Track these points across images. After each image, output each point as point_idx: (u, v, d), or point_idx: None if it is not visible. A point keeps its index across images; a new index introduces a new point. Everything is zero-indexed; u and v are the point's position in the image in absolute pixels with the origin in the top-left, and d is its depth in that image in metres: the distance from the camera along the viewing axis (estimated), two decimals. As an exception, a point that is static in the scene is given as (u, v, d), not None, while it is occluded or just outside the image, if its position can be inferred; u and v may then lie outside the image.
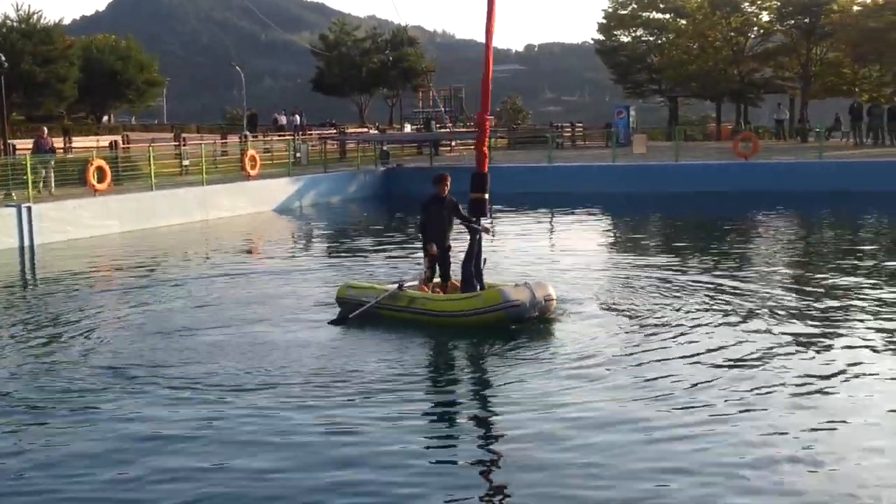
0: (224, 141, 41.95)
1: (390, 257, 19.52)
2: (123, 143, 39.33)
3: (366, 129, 54.68)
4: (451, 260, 13.30)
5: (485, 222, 13.10)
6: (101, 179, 25.86)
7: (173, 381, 10.02)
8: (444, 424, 8.83)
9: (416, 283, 13.38)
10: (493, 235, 13.22)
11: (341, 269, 18.27)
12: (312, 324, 12.74)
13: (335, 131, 50.43)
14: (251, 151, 32.78)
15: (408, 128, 55.34)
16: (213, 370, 10.37)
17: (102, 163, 26.53)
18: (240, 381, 9.91)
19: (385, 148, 40.24)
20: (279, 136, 45.66)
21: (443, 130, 49.82)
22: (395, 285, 13.05)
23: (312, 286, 15.88)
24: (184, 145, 36.39)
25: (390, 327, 12.40)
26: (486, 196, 13.27)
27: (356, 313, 12.60)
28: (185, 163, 34.04)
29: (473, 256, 12.74)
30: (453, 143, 47.37)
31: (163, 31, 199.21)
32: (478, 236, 12.77)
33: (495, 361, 10.86)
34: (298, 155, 37.77)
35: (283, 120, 51.31)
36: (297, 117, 51.94)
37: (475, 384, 10.24)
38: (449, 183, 13.15)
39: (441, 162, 40.02)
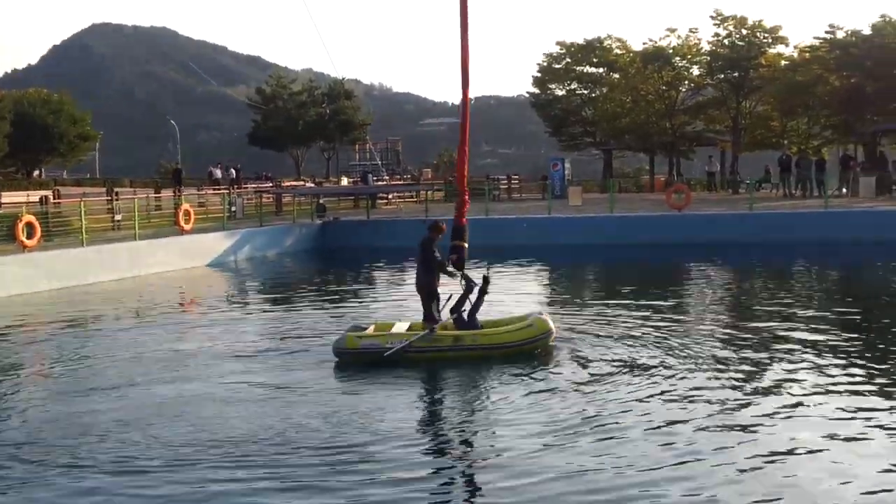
0: (158, 195, 41.44)
1: (326, 310, 19.33)
2: (54, 198, 38.66)
3: (302, 183, 54.49)
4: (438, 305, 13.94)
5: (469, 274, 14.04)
6: (30, 235, 25.29)
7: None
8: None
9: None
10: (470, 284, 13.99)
11: (276, 322, 18.10)
12: (241, 376, 12.58)
13: (271, 185, 50.15)
14: (185, 205, 32.38)
15: (344, 181, 55.29)
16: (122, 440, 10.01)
17: (32, 218, 25.96)
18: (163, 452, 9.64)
19: (321, 201, 40.06)
20: (214, 189, 45.26)
21: (380, 183, 49.87)
22: (405, 328, 13.81)
23: (245, 339, 15.73)
24: (116, 199, 35.83)
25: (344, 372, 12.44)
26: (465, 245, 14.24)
27: (390, 353, 13.06)
28: (118, 217, 33.51)
29: (467, 301, 13.84)
30: (390, 196, 47.37)
31: (97, 85, 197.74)
32: (471, 284, 13.79)
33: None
34: (233, 209, 37.43)
35: (218, 173, 50.93)
36: (233, 171, 51.61)
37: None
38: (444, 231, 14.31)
39: (378, 215, 39.99)
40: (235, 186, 46.64)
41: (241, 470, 8.83)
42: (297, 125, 67.63)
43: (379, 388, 12.17)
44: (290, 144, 70.34)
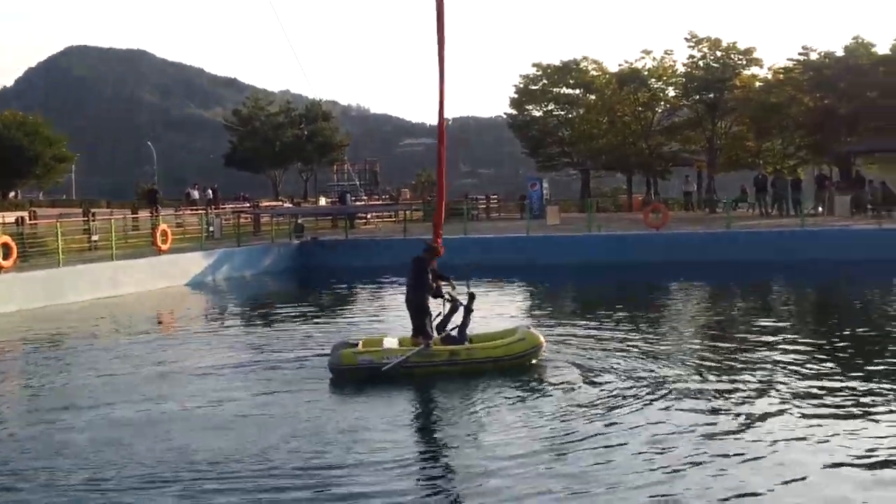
0: (135, 216, 41.27)
1: (305, 328, 19.30)
2: (30, 219, 38.40)
3: (280, 203, 54.39)
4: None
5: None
6: (6, 256, 25.13)
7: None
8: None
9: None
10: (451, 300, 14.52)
11: (255, 340, 18.07)
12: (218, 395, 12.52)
13: (248, 205, 50.02)
14: (162, 226, 32.27)
15: (323, 201, 55.21)
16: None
17: (8, 239, 25.81)
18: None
19: (300, 221, 40.00)
20: (192, 210, 45.12)
21: (358, 204, 49.85)
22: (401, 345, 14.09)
23: (224, 357, 15.71)
24: (93, 220, 35.63)
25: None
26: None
27: (388, 368, 13.32)
28: (95, 238, 33.34)
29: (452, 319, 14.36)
30: (369, 217, 47.37)
31: (74, 107, 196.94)
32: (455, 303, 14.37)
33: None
34: (211, 229, 37.32)
35: (196, 194, 50.75)
36: (210, 191, 51.45)
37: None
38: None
39: (356, 235, 39.97)
40: (213, 207, 46.50)
41: (218, 495, 8.69)
42: (274, 146, 67.60)
43: (363, 406, 12.19)
44: (268, 166, 70.26)
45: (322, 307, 24.24)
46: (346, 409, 11.97)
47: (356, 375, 13.37)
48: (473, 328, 14.71)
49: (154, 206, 42.56)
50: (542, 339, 14.27)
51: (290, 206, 51.24)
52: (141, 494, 8.71)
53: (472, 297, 14.28)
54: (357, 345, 14.15)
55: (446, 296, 14.43)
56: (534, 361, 14.07)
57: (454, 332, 14.31)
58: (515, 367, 13.68)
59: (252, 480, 8.99)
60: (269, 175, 72.24)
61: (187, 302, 27.16)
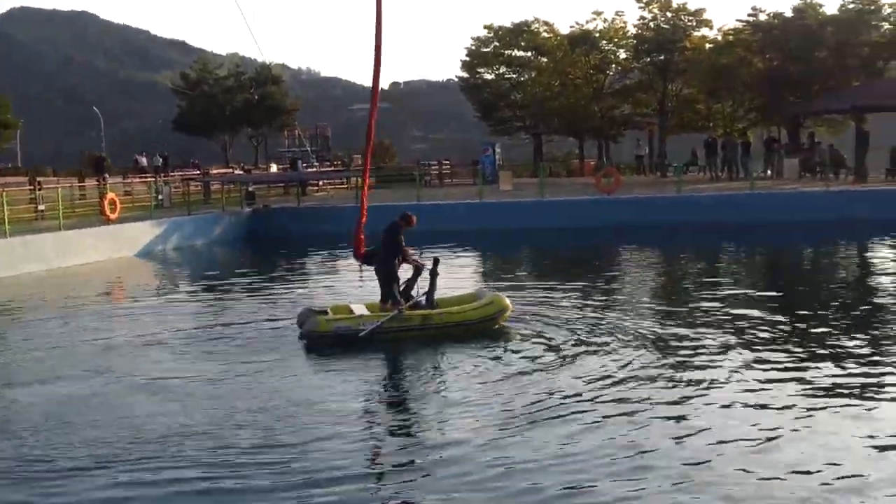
0: (82, 184, 40.60)
1: (258, 297, 19.14)
2: (-27, 188, 37.59)
3: (230, 170, 53.80)
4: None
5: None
6: (-52, 227, 24.60)
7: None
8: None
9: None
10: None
11: (207, 310, 17.91)
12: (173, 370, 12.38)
13: (198, 172, 49.42)
14: (110, 194, 31.77)
15: (274, 168, 54.71)
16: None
17: (-50, 209, 25.26)
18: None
19: (250, 188, 39.59)
20: (140, 178, 44.50)
21: (310, 170, 49.47)
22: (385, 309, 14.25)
23: (176, 328, 15.52)
24: (39, 189, 35.00)
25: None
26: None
27: (365, 333, 13.60)
28: (41, 207, 32.76)
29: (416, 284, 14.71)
30: (321, 183, 47.02)
31: (17, 72, 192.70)
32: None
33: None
34: (160, 197, 36.82)
35: (144, 161, 50.07)
36: (160, 158, 50.81)
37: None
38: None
39: (308, 202, 39.67)
40: (162, 174, 45.89)
41: (165, 471, 8.51)
42: (223, 111, 66.77)
43: (320, 377, 12.12)
44: (217, 131, 69.41)
45: (274, 276, 24.05)
46: (303, 381, 11.84)
47: (331, 342, 13.54)
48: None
49: (101, 174, 41.86)
50: (507, 302, 14.69)
51: (241, 173, 50.70)
52: (88, 475, 8.46)
53: (436, 261, 14.62)
54: (324, 312, 14.32)
55: (415, 262, 14.73)
56: (501, 324, 14.48)
57: (422, 299, 14.56)
58: (483, 329, 14.15)
59: (206, 459, 8.79)
60: (218, 140, 71.38)
61: (137, 272, 26.81)
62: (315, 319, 13.96)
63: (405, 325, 14.00)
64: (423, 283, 14.66)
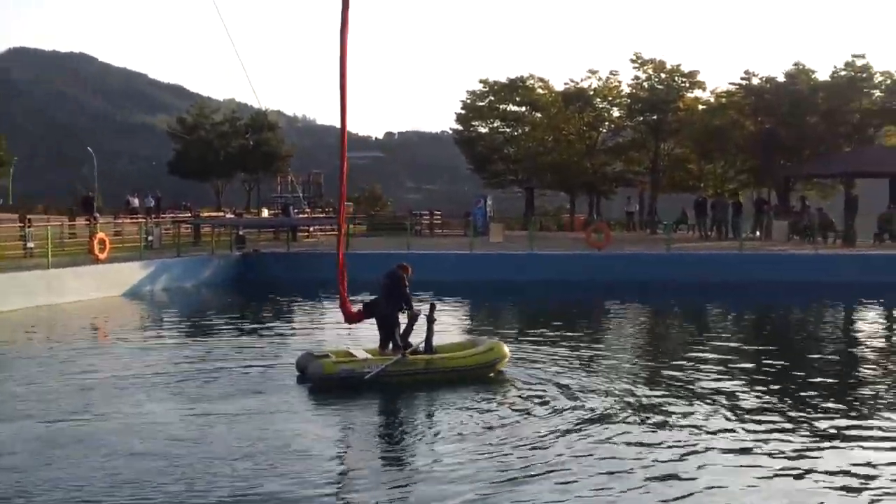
0: (72, 223, 40.55)
1: (244, 340, 19.06)
2: (-36, 224, 37.51)
3: (222, 213, 53.82)
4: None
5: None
6: (-64, 261, 24.47)
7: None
8: None
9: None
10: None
11: (193, 352, 17.79)
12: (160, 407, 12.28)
13: (190, 214, 49.43)
14: (100, 234, 31.74)
15: (265, 212, 54.77)
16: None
17: (-61, 243, 25.16)
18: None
19: (241, 232, 39.59)
20: (131, 218, 44.49)
21: (301, 216, 49.53)
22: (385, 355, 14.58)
23: (160, 369, 15.43)
24: (28, 227, 34.91)
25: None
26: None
27: (370, 377, 13.82)
28: (30, 245, 32.69)
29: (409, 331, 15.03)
30: (311, 229, 47.09)
31: (14, 110, 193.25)
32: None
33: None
34: (150, 238, 36.77)
35: (136, 202, 50.08)
36: (152, 199, 50.81)
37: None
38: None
39: (299, 248, 39.67)
40: (153, 215, 45.88)
41: None
42: (218, 155, 66.99)
43: (306, 423, 11.99)
44: (212, 175, 69.60)
45: (262, 320, 23.99)
46: (288, 427, 11.68)
47: (336, 385, 13.75)
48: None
49: (90, 213, 41.81)
50: (506, 349, 15.14)
51: (232, 216, 50.73)
52: None
53: (432, 307, 15.02)
54: (326, 356, 14.49)
55: (415, 310, 15.11)
56: (500, 370, 14.91)
57: (421, 346, 14.90)
58: (480, 376, 14.53)
59: None
60: (212, 184, 71.55)
61: (124, 312, 26.69)
62: (320, 363, 14.14)
63: (409, 369, 14.26)
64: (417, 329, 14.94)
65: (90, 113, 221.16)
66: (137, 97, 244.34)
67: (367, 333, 17.23)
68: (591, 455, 10.28)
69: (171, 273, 32.05)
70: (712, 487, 9.22)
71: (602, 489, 9.10)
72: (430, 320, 14.90)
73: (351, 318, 15.66)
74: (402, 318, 15.02)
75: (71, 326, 22.50)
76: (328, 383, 13.82)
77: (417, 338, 15.07)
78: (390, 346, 14.87)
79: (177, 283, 31.99)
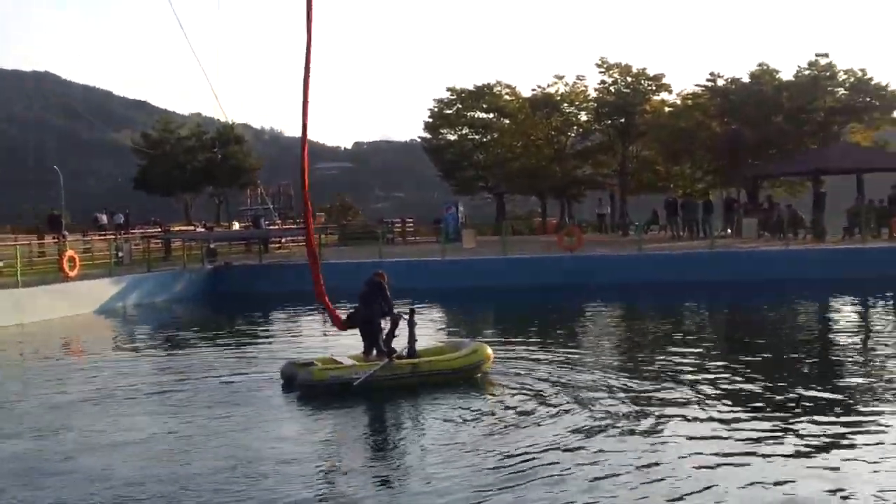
0: (41, 241, 40.16)
1: (220, 353, 18.89)
2: (-70, 245, 37.06)
3: (192, 228, 53.50)
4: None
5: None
6: None
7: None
8: None
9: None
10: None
11: (167, 366, 17.63)
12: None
13: (159, 229, 49.10)
14: (70, 251, 31.45)
15: (236, 225, 54.51)
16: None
17: None
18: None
19: (212, 246, 39.34)
20: (100, 235, 44.13)
21: (272, 228, 49.35)
22: (372, 360, 14.70)
23: (136, 384, 15.27)
24: (-4, 246, 34.59)
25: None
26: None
27: (359, 382, 13.83)
28: (-1, 264, 32.36)
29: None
30: (283, 240, 46.92)
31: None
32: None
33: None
34: (120, 254, 36.47)
35: (104, 219, 49.71)
36: (121, 216, 50.49)
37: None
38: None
39: (270, 259, 39.49)
40: (122, 232, 45.55)
41: None
42: (185, 171, 66.53)
43: (293, 430, 11.87)
44: (179, 190, 69.10)
45: (237, 332, 23.80)
46: (266, 437, 11.55)
47: (325, 391, 13.82)
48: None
49: (58, 231, 41.45)
50: (490, 351, 15.32)
51: (202, 230, 50.42)
52: None
53: (412, 311, 15.17)
54: (310, 364, 14.60)
55: (395, 314, 15.21)
56: (484, 372, 15.04)
57: (405, 351, 14.99)
58: (465, 379, 14.61)
59: None
60: (180, 199, 71.07)
61: (96, 329, 26.43)
62: (309, 370, 14.24)
63: (396, 373, 14.35)
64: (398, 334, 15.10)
65: (54, 131, 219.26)
66: (102, 114, 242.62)
67: (346, 341, 17.19)
68: (579, 455, 10.23)
69: (142, 289, 31.80)
70: (701, 486, 9.20)
71: (593, 490, 9.03)
72: (412, 324, 15.04)
73: (340, 326, 15.85)
74: (385, 324, 15.09)
75: (43, 345, 22.24)
76: (317, 390, 13.88)
77: (399, 343, 15.07)
78: (374, 352, 14.97)
79: (149, 298, 31.75)
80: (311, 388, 14.00)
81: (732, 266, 32.18)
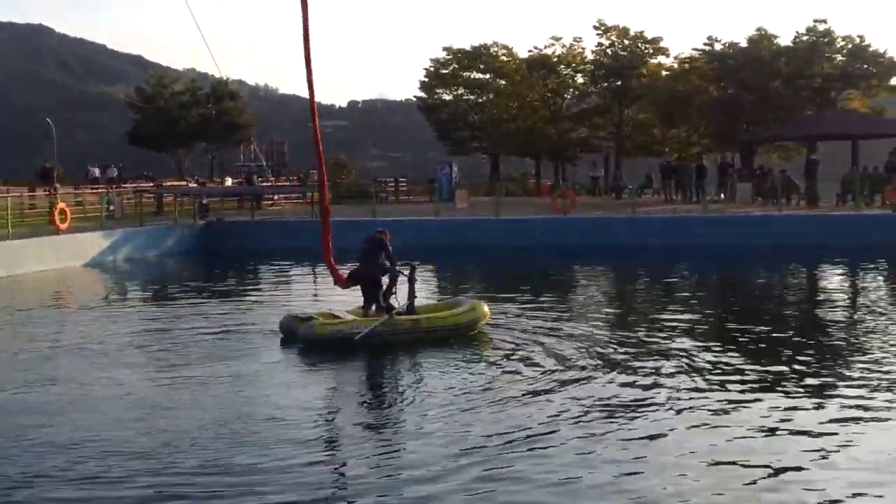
0: (32, 193, 39.95)
1: (212, 307, 18.85)
2: (-80, 196, 36.85)
3: (185, 183, 53.28)
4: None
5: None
6: None
7: None
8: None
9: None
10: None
11: (159, 319, 17.56)
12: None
13: (152, 184, 48.88)
14: (61, 204, 31.31)
15: (229, 181, 54.32)
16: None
17: None
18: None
19: (204, 201, 39.19)
20: (92, 189, 43.93)
21: (265, 185, 49.20)
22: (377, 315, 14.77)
23: (126, 336, 15.19)
24: (-13, 197, 34.36)
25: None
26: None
27: (360, 337, 13.97)
28: (-10, 216, 32.19)
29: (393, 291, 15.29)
30: (276, 197, 46.77)
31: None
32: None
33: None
34: (111, 208, 36.30)
35: (97, 172, 49.48)
36: (115, 170, 50.27)
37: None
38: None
39: (263, 216, 39.38)
40: (115, 186, 45.35)
41: (100, 491, 7.88)
42: (178, 126, 66.15)
43: (280, 389, 11.62)
44: (172, 145, 68.76)
45: (228, 287, 23.78)
46: (260, 394, 11.36)
47: (324, 346, 13.93)
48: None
49: (50, 184, 41.24)
50: (487, 308, 15.46)
51: (195, 185, 50.23)
52: (12, 494, 7.86)
53: (412, 268, 15.33)
54: (310, 318, 14.67)
55: (395, 270, 15.36)
56: (481, 328, 15.17)
57: (401, 306, 15.05)
58: (462, 336, 14.64)
59: (148, 482, 8.11)
60: (173, 155, 70.73)
61: (85, 282, 26.38)
62: (311, 325, 14.32)
63: (395, 328, 14.48)
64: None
65: (48, 85, 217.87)
66: (96, 68, 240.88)
67: (341, 298, 17.18)
68: (577, 414, 10.12)
69: (133, 243, 31.70)
70: (691, 447, 9.21)
71: (586, 453, 8.89)
72: (412, 281, 15.20)
73: (341, 284, 15.76)
74: (385, 281, 15.25)
75: (33, 296, 22.17)
76: (318, 344, 13.99)
77: (397, 300, 15.16)
78: (373, 307, 15.10)
79: (140, 252, 31.67)
80: (313, 342, 14.12)
81: (725, 230, 32.12)
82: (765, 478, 8.14)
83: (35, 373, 12.63)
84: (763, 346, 14.35)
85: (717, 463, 8.57)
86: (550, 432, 9.44)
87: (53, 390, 11.64)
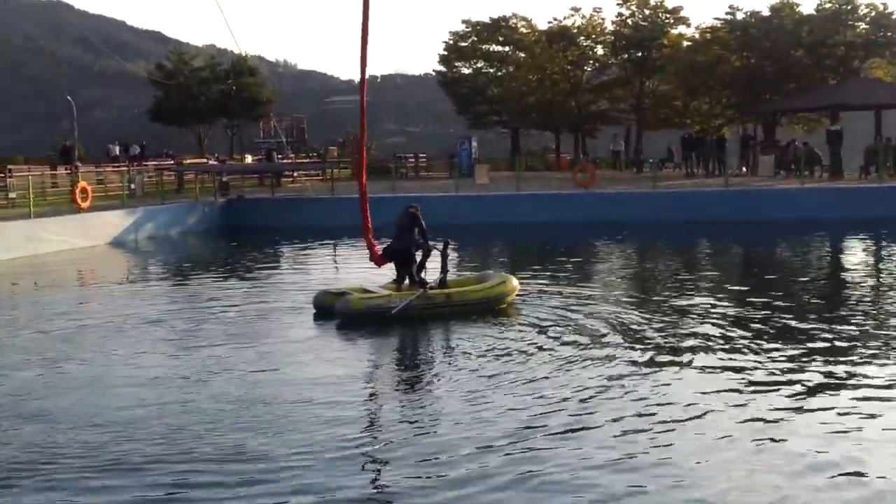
0: (53, 172, 40.13)
1: (236, 285, 18.90)
2: (-57, 175, 37.07)
3: (205, 160, 53.37)
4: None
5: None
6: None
7: None
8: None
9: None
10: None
11: (183, 298, 17.63)
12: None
13: (172, 162, 49.00)
14: (82, 183, 31.42)
15: (249, 158, 54.36)
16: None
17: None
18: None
19: (225, 179, 39.26)
20: (113, 167, 44.07)
21: (285, 161, 49.20)
22: (414, 289, 14.93)
23: (146, 314, 15.17)
24: (9, 177, 34.57)
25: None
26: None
27: (396, 311, 14.21)
28: (12, 195, 32.36)
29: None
30: (296, 174, 46.79)
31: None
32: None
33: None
34: (133, 186, 36.43)
35: (117, 150, 49.62)
36: (137, 147, 50.43)
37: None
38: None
39: (283, 193, 39.42)
40: (136, 164, 45.48)
41: (110, 476, 7.70)
42: (199, 102, 66.18)
43: (304, 370, 11.35)
44: (193, 121, 68.84)
45: (254, 265, 23.80)
46: (281, 376, 11.17)
47: (362, 320, 14.14)
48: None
49: (70, 162, 41.41)
50: (516, 283, 15.75)
51: (216, 163, 50.32)
52: (24, 477, 7.76)
53: (446, 243, 15.61)
54: (342, 293, 14.88)
55: (429, 245, 15.54)
56: (511, 302, 15.46)
57: (435, 281, 15.26)
58: (494, 309, 14.97)
59: (152, 466, 7.95)
60: (193, 131, 70.82)
61: (108, 261, 26.51)
62: (347, 299, 14.51)
63: (430, 303, 14.73)
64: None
65: (66, 62, 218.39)
66: (116, 45, 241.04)
67: (365, 274, 17.21)
68: (612, 396, 9.95)
69: (155, 221, 31.83)
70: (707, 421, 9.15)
71: (626, 432, 8.78)
72: (445, 255, 15.43)
73: (377, 261, 15.87)
74: (418, 255, 15.48)
75: (56, 275, 22.30)
76: (356, 319, 14.18)
77: (431, 275, 15.46)
78: (406, 281, 15.27)
79: (162, 230, 31.80)
80: (350, 316, 14.29)
81: (746, 204, 31.87)
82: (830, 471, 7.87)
83: (58, 350, 12.69)
84: (804, 324, 14.08)
85: (759, 440, 8.49)
86: (584, 413, 9.33)
87: (76, 370, 11.65)
